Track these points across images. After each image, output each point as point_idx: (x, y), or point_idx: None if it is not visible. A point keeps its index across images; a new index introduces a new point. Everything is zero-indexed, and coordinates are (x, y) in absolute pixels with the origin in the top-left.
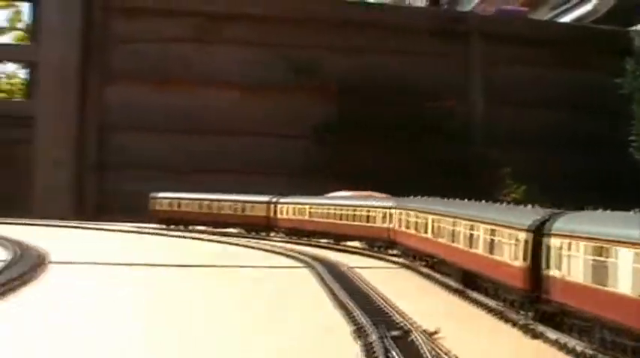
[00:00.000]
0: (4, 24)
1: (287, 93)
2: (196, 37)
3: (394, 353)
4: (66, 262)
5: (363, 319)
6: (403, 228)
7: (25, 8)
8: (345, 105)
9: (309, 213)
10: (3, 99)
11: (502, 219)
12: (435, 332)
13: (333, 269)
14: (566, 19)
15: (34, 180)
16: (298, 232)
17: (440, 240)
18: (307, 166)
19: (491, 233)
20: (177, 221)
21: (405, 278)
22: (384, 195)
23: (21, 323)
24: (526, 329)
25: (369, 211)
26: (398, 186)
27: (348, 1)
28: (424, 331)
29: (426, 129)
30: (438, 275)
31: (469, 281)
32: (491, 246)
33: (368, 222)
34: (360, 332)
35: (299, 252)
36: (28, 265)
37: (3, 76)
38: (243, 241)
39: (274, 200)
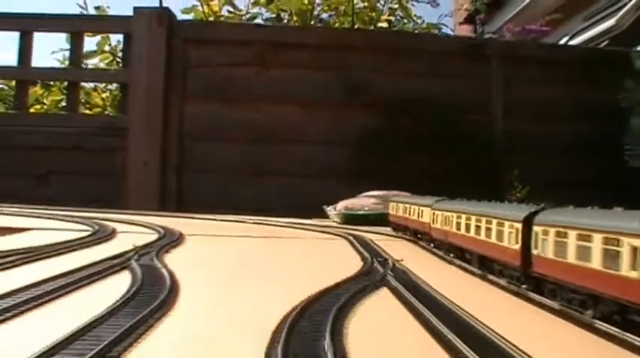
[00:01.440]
0: (94, 47)
1: (340, 109)
2: (258, 62)
3: (377, 264)
4: (193, 234)
5: (367, 255)
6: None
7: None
8: (390, 119)
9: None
10: (102, 115)
11: None
12: (400, 260)
13: (359, 239)
14: (594, 31)
15: (127, 180)
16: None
17: None
18: (354, 171)
19: None
20: (405, 229)
21: (402, 245)
22: (408, 194)
23: (194, 256)
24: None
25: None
26: (431, 188)
27: (393, 30)
28: (395, 259)
29: (457, 139)
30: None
31: None
32: None
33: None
34: (363, 260)
35: (344, 232)
36: (175, 236)
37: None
38: (301, 227)
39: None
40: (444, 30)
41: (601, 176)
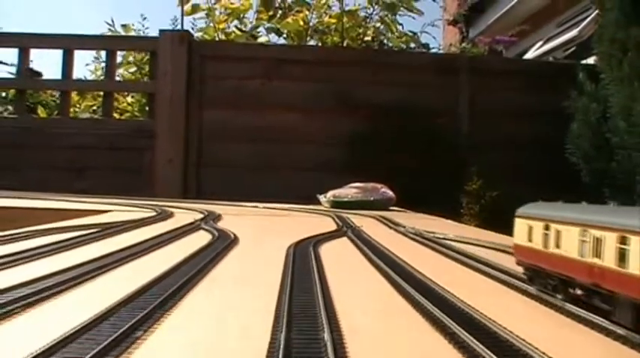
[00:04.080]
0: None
1: (331, 114)
2: (264, 75)
3: (344, 228)
4: (226, 214)
5: (340, 223)
6: None
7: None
8: (372, 124)
9: None
10: (132, 120)
11: None
12: (361, 226)
13: (339, 217)
14: (563, 38)
15: (155, 174)
16: None
17: None
18: (343, 166)
19: None
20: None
21: (367, 220)
22: (384, 186)
23: (234, 224)
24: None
25: None
26: (405, 187)
27: (378, 48)
28: (357, 226)
29: (428, 140)
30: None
31: None
32: None
33: None
34: (337, 226)
35: (331, 213)
36: (215, 214)
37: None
38: (299, 210)
39: None
40: (427, 37)
41: (547, 169)
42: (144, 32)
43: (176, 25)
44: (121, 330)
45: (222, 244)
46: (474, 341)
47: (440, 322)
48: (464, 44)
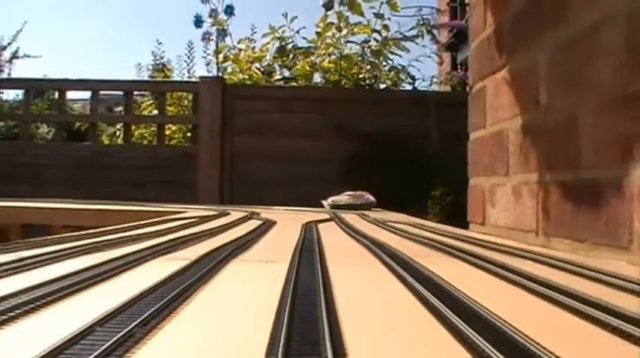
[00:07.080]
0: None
1: (332, 140)
2: (280, 109)
3: (334, 217)
4: (264, 212)
5: (333, 216)
6: None
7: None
8: (363, 147)
9: None
10: (180, 145)
11: None
12: (344, 217)
13: (334, 213)
14: None
15: (198, 188)
16: None
17: None
18: (341, 180)
19: None
20: None
21: (352, 215)
22: (369, 193)
23: (270, 217)
24: None
25: None
26: (388, 194)
27: (369, 87)
28: (342, 217)
29: (405, 159)
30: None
31: None
32: None
33: None
34: (330, 217)
35: (329, 212)
36: (257, 213)
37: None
38: (307, 210)
39: None
40: (413, 69)
41: None
42: (160, 55)
43: (192, 48)
44: (218, 259)
45: (269, 224)
46: (398, 266)
47: (373, 251)
48: (441, 77)
